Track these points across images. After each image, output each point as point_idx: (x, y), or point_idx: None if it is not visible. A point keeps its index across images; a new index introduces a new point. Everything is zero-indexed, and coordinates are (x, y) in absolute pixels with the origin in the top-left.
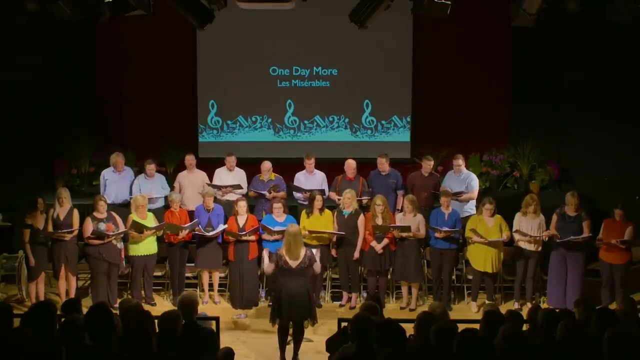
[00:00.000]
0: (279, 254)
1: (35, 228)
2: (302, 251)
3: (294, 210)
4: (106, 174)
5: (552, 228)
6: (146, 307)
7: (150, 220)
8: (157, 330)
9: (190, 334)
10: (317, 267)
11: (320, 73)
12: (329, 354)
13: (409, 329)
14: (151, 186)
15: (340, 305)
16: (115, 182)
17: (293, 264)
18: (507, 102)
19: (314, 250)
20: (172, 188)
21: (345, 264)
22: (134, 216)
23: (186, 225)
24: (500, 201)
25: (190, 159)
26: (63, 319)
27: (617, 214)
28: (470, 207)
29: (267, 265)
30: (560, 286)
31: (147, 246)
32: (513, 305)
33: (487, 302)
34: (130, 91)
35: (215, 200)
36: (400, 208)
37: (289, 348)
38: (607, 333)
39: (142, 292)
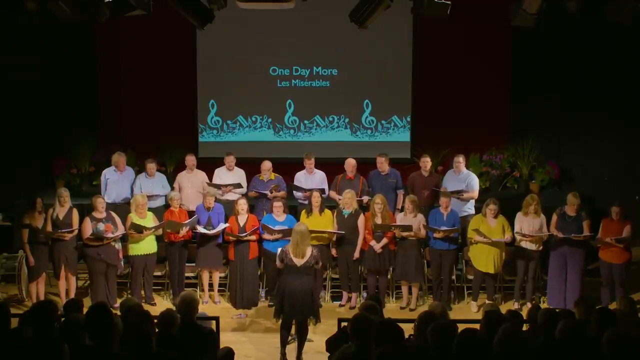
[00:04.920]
0: (284, 250)
1: (34, 228)
2: (309, 250)
3: (293, 209)
4: (107, 173)
5: (552, 228)
6: (146, 307)
7: (150, 220)
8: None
9: (190, 334)
10: (318, 265)
11: (320, 73)
12: (329, 354)
13: (409, 329)
14: (152, 185)
15: (340, 305)
16: (116, 181)
17: (298, 262)
18: (507, 102)
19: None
20: (172, 188)
21: (345, 264)
22: (133, 216)
23: (186, 221)
24: (501, 201)
25: (190, 160)
26: (63, 319)
27: (614, 211)
28: (469, 207)
29: (278, 262)
30: (560, 286)
31: (146, 245)
32: (513, 305)
33: (487, 302)
34: (130, 91)
35: (216, 199)
36: (400, 208)
37: (290, 347)
38: (607, 333)
39: (142, 292)
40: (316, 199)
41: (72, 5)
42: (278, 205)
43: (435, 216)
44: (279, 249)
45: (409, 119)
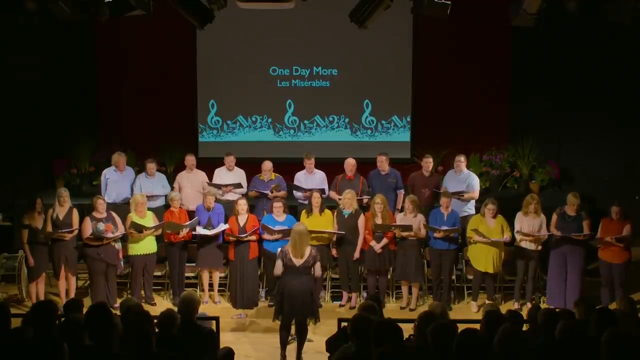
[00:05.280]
0: (284, 250)
1: (34, 228)
2: (307, 250)
3: (293, 209)
4: (107, 173)
5: (552, 227)
6: (146, 307)
7: (149, 219)
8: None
9: (190, 334)
10: (318, 269)
11: (320, 73)
12: (329, 354)
13: (409, 329)
14: (152, 185)
15: (340, 305)
16: (116, 181)
17: (297, 262)
18: (507, 102)
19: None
20: (172, 188)
21: (346, 264)
22: (133, 215)
23: (187, 223)
24: (501, 201)
25: (190, 160)
26: (63, 319)
27: (613, 211)
28: (470, 207)
29: (277, 266)
30: (560, 285)
31: (146, 245)
32: (513, 305)
33: (487, 302)
34: (130, 91)
35: (216, 200)
36: (400, 208)
37: (290, 347)
38: (606, 333)
39: (142, 292)
40: (316, 199)
41: (72, 5)
42: (278, 205)
43: (435, 216)
44: (279, 249)
45: (409, 119)
